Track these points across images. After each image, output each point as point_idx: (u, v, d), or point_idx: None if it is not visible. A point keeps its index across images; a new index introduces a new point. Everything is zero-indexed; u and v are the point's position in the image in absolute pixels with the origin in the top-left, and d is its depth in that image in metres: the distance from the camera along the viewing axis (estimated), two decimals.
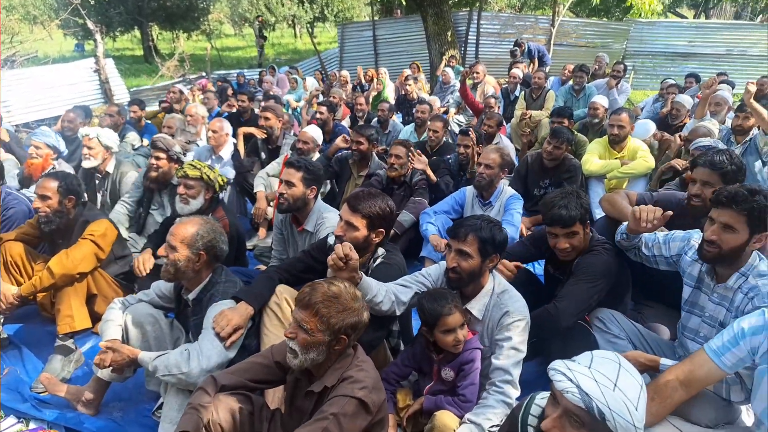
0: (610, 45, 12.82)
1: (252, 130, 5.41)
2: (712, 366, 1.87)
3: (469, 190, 4.00)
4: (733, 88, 7.15)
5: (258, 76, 12.04)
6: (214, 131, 4.97)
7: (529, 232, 4.19)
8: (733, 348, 1.85)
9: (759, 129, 4.40)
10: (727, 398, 2.04)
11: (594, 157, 4.72)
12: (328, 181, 4.95)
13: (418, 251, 3.90)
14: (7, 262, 3.20)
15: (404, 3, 12.86)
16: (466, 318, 2.30)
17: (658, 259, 2.53)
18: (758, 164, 4.51)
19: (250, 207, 5.13)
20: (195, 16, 21.16)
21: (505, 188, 3.93)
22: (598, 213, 3.80)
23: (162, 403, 2.38)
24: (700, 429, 1.96)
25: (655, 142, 5.20)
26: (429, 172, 4.34)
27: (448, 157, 4.89)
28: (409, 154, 4.27)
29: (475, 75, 7.76)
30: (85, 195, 3.53)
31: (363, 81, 10.13)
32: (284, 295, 2.53)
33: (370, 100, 8.40)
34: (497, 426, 2.05)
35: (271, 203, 4.56)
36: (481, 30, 13.05)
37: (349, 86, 9.53)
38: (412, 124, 6.35)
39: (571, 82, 7.57)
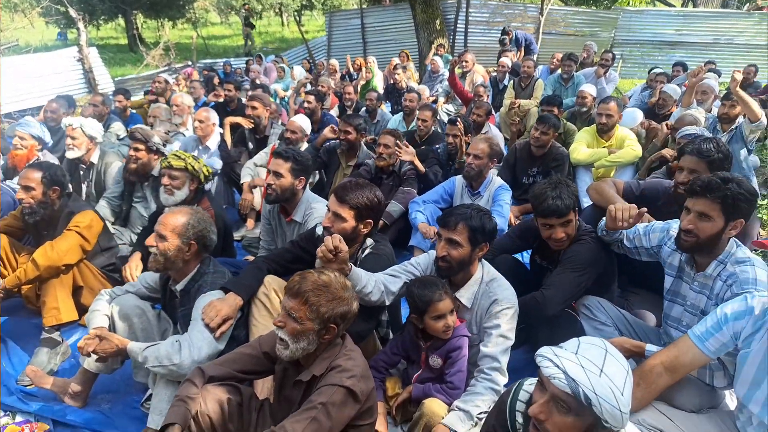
0: (598, 33, 12.83)
1: (239, 119, 5.36)
2: (697, 351, 1.90)
3: (459, 180, 4.00)
4: (719, 76, 7.20)
5: (245, 65, 11.91)
6: (200, 121, 4.91)
7: (518, 221, 4.21)
8: (717, 333, 1.88)
9: (744, 117, 4.43)
10: (711, 384, 2.08)
11: (582, 146, 4.74)
12: (317, 172, 4.93)
13: (407, 241, 3.91)
14: None
15: None
16: (455, 305, 2.31)
17: (640, 250, 2.55)
18: (743, 152, 4.55)
19: (237, 197, 5.10)
20: (180, 4, 20.78)
21: (494, 178, 3.93)
22: (586, 201, 3.82)
23: (150, 395, 2.37)
24: (685, 413, 1.99)
25: (642, 130, 5.22)
26: (417, 162, 4.33)
27: (437, 146, 4.89)
28: (397, 144, 4.25)
29: (464, 64, 7.73)
30: (70, 186, 3.48)
31: (351, 70, 10.07)
32: (272, 286, 2.52)
33: (359, 89, 8.35)
34: (485, 413, 2.07)
35: (253, 190, 4.52)
36: (470, 18, 12.99)
37: (338, 75, 9.46)
38: (401, 113, 6.32)
39: (559, 71, 7.57)
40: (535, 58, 8.78)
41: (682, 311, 2.35)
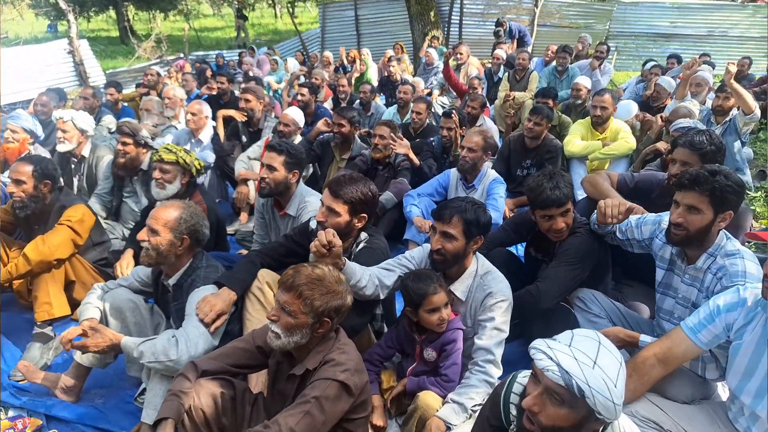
0: (593, 26, 12.80)
1: (232, 112, 5.31)
2: (689, 343, 1.91)
3: (453, 173, 3.99)
4: (713, 68, 7.21)
5: (237, 58, 11.82)
6: (192, 114, 4.86)
7: (513, 213, 4.21)
8: (709, 325, 1.89)
9: (738, 109, 4.44)
10: (703, 375, 2.09)
11: (576, 139, 4.73)
12: (310, 165, 4.90)
13: (402, 234, 3.90)
14: None
15: None
16: (450, 298, 2.31)
17: (632, 242, 2.56)
18: (737, 144, 4.57)
19: (231, 191, 5.07)
20: None
21: (489, 171, 3.92)
22: (580, 194, 3.82)
23: (144, 389, 2.36)
24: (677, 405, 2.00)
25: (637, 123, 5.23)
26: (411, 155, 4.32)
27: (432, 139, 4.87)
28: (392, 136, 4.23)
29: (458, 56, 7.70)
30: (62, 180, 3.45)
31: (345, 62, 10.00)
32: (266, 280, 2.51)
33: (353, 81, 8.31)
34: (480, 405, 2.08)
35: (248, 183, 4.50)
36: (465, 10, 12.93)
37: (332, 67, 9.40)
38: (395, 106, 6.30)
39: (554, 63, 7.56)
40: (529, 50, 8.75)
41: (674, 304, 2.36)
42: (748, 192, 4.87)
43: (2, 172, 4.36)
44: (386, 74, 8.25)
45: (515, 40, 10.16)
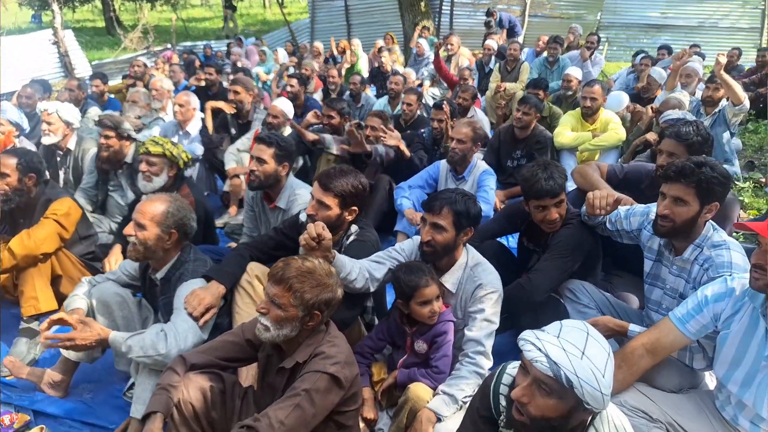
0: (584, 16, 12.78)
1: (221, 104, 5.27)
2: (677, 333, 1.92)
3: (443, 165, 3.98)
4: (703, 59, 7.23)
5: (226, 48, 11.70)
6: (180, 105, 4.81)
7: (503, 205, 4.21)
8: (697, 315, 1.90)
9: (728, 100, 4.46)
10: (690, 365, 2.11)
11: (566, 130, 4.74)
12: (300, 157, 4.87)
13: (392, 226, 3.89)
14: None
15: None
16: (440, 290, 2.31)
17: (621, 233, 2.57)
18: (726, 135, 4.59)
19: (220, 184, 5.03)
20: None
21: (479, 162, 3.92)
22: (570, 185, 3.83)
23: (133, 384, 2.34)
24: (665, 394, 2.01)
25: (627, 114, 5.24)
26: (403, 147, 4.29)
27: (422, 131, 4.85)
28: (383, 128, 4.20)
29: (449, 47, 7.66)
30: (47, 173, 3.40)
31: (335, 53, 9.93)
32: (255, 273, 2.50)
33: (343, 72, 8.25)
34: (470, 396, 2.08)
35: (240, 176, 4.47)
36: (455, 0, 12.86)
37: (322, 58, 9.33)
38: (386, 97, 6.26)
39: (545, 54, 7.54)
40: (520, 41, 8.73)
41: (662, 294, 2.37)
42: (737, 182, 4.91)
43: None
44: (377, 65, 8.20)
45: (505, 31, 10.13)
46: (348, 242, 2.54)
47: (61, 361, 2.58)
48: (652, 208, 2.43)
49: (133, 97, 5.63)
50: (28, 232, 2.93)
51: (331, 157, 4.56)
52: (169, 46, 14.25)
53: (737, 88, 4.30)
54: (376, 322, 2.74)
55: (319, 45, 9.43)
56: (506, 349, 2.67)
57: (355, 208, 2.52)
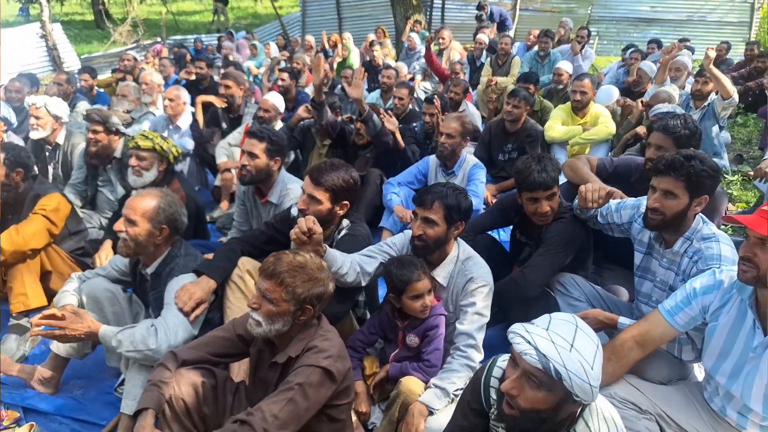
0: (575, 10, 12.78)
1: (211, 98, 5.23)
2: (666, 326, 1.94)
3: (432, 160, 3.97)
4: (693, 53, 7.27)
5: (216, 42, 11.61)
6: (170, 100, 4.77)
7: (495, 199, 4.22)
8: (686, 308, 1.91)
9: (717, 94, 4.49)
10: (679, 357, 2.13)
11: (557, 124, 4.75)
12: (292, 152, 4.85)
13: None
14: None
15: None
16: (432, 284, 2.31)
17: (612, 226, 2.59)
18: (715, 128, 4.63)
19: (211, 179, 5.01)
20: None
21: (468, 156, 3.91)
22: (560, 179, 3.84)
23: (124, 379, 2.33)
24: (655, 385, 2.03)
25: (617, 107, 5.26)
26: (398, 135, 4.28)
27: (414, 125, 4.84)
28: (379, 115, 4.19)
29: (440, 41, 7.64)
30: (36, 168, 3.36)
31: (327, 46, 9.88)
32: (246, 268, 2.49)
33: (335, 66, 8.21)
34: (462, 389, 2.09)
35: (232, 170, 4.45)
36: None
37: (313, 51, 9.27)
38: (378, 91, 6.24)
39: (536, 48, 7.54)
40: (511, 35, 8.72)
41: (652, 287, 2.39)
42: (726, 176, 4.95)
43: None
44: (368, 59, 8.17)
45: (496, 24, 10.12)
46: (339, 236, 2.54)
47: (51, 358, 2.57)
48: (643, 202, 2.45)
49: (122, 91, 5.59)
50: (17, 227, 2.90)
51: (323, 152, 4.55)
52: (159, 39, 14.09)
53: (726, 82, 4.33)
54: (368, 316, 2.74)
55: (310, 38, 9.37)
56: (497, 342, 2.68)
57: (346, 202, 2.51)
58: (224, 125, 5.12)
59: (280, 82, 5.59)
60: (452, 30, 9.06)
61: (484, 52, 7.81)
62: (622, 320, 2.12)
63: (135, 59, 7.58)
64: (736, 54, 8.75)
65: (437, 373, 2.21)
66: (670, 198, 2.14)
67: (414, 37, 8.86)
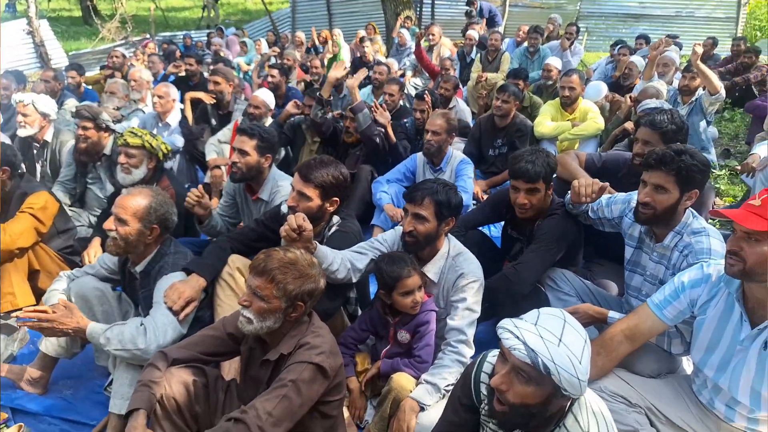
0: (564, 6, 12.82)
1: (200, 95, 5.19)
2: (655, 319, 1.95)
3: (419, 157, 3.97)
4: (680, 49, 7.32)
5: (206, 38, 11.52)
6: (160, 96, 4.73)
7: (486, 195, 4.23)
8: (674, 301, 1.93)
9: (704, 89, 4.53)
10: (668, 350, 2.15)
11: (546, 120, 4.77)
12: (282, 148, 4.83)
13: (373, 217, 3.88)
14: None
15: None
16: (423, 280, 2.32)
17: (603, 221, 2.60)
18: (703, 123, 4.67)
19: (201, 176, 4.97)
20: None
21: (455, 152, 3.92)
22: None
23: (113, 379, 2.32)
24: (644, 379, 2.05)
25: (606, 103, 5.29)
26: (390, 130, 4.28)
27: (405, 120, 4.84)
28: (372, 109, 4.18)
29: (430, 37, 7.63)
30: (23, 166, 3.32)
31: (317, 43, 9.84)
32: (237, 265, 2.48)
33: (326, 62, 8.17)
34: (453, 385, 2.10)
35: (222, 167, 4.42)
36: None
37: (304, 48, 9.24)
38: (369, 87, 6.22)
39: (525, 44, 7.56)
40: (501, 31, 8.73)
41: (642, 281, 2.41)
42: (713, 170, 5.00)
43: None
44: (359, 55, 8.14)
45: (485, 20, 10.13)
46: (330, 233, 2.53)
47: (40, 358, 2.54)
48: (633, 196, 2.46)
49: (111, 88, 5.53)
50: (4, 226, 2.87)
51: (314, 148, 4.54)
52: (147, 36, 13.96)
53: (713, 77, 4.36)
54: (359, 312, 2.75)
55: (300, 35, 9.33)
56: (487, 338, 2.70)
57: (336, 199, 2.51)
58: (213, 122, 5.10)
59: (270, 79, 5.56)
60: (442, 26, 9.04)
61: (474, 48, 7.82)
62: (612, 314, 2.14)
63: (123, 56, 7.49)
64: (723, 49, 8.82)
65: (428, 369, 2.22)
66: (661, 192, 2.16)
67: (404, 33, 8.84)
